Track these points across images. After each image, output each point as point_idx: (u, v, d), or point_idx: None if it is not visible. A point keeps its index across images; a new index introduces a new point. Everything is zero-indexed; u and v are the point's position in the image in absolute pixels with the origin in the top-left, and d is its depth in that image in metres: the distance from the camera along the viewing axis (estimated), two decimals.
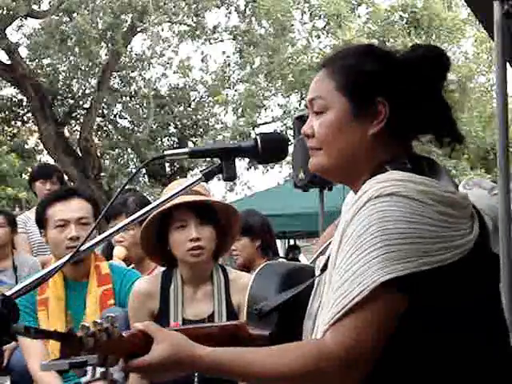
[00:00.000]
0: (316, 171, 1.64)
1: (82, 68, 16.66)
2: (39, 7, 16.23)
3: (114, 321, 1.47)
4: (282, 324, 1.59)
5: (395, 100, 1.55)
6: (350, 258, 1.42)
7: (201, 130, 18.53)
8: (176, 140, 18.79)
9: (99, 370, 1.46)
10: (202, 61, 17.65)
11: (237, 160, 1.65)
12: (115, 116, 18.46)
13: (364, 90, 1.56)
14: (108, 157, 18.44)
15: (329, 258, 1.54)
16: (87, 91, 17.38)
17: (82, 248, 1.56)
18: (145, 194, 5.86)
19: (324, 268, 1.60)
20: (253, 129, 15.89)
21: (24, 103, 17.44)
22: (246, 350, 1.49)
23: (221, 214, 2.76)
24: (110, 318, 1.47)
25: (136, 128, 17.68)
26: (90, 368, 1.45)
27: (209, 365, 1.45)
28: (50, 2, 15.73)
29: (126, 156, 18.79)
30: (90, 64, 16.28)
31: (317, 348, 1.42)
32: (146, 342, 1.48)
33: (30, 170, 14.51)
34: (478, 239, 1.47)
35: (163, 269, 2.84)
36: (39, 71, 16.77)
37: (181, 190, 1.62)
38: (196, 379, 2.62)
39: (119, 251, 3.73)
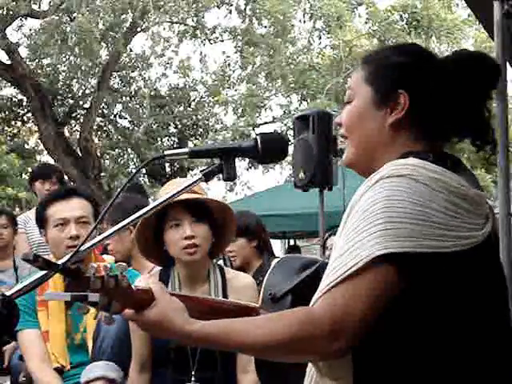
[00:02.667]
0: (346, 164, 1.70)
1: (82, 68, 16.65)
2: (39, 7, 16.21)
3: (124, 269, 1.49)
4: (295, 307, 1.60)
5: (418, 95, 1.59)
6: (352, 231, 1.45)
7: (201, 130, 18.53)
8: (176, 140, 18.79)
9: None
10: (201, 61, 17.66)
11: (237, 160, 1.65)
12: (115, 116, 18.45)
13: (386, 81, 1.61)
14: (108, 157, 18.44)
15: None
16: (87, 91, 17.37)
17: (82, 248, 1.56)
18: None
19: None
20: (253, 129, 15.89)
21: (24, 103, 17.43)
22: (235, 322, 1.53)
23: (216, 213, 2.76)
24: (121, 266, 1.49)
25: (136, 128, 17.68)
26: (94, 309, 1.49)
27: (197, 341, 1.52)
28: (50, 2, 15.72)
29: (126, 156, 18.79)
30: (90, 64, 16.27)
31: (304, 315, 1.45)
32: (153, 300, 1.53)
33: (30, 170, 14.52)
34: (489, 239, 1.49)
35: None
36: (39, 71, 16.75)
37: (181, 190, 1.63)
38: (193, 378, 2.62)
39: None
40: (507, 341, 1.55)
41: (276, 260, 1.84)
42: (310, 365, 1.57)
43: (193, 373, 2.62)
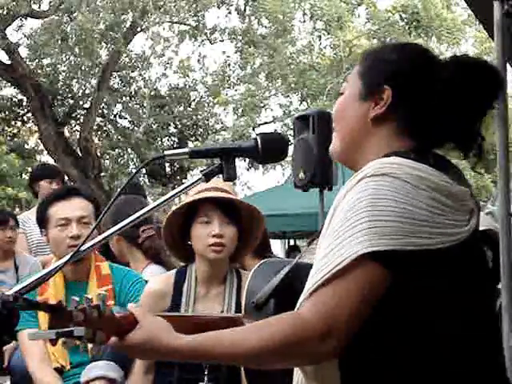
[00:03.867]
0: (332, 155, 1.70)
1: (82, 68, 16.65)
2: (39, 7, 16.21)
3: (105, 299, 1.49)
4: (279, 312, 1.59)
5: (404, 93, 1.58)
6: (336, 230, 1.44)
7: (201, 130, 18.52)
8: (176, 140, 18.79)
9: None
10: (199, 61, 17.66)
11: (237, 160, 1.66)
12: (115, 116, 18.44)
13: (375, 75, 1.61)
14: (108, 157, 18.43)
15: None
16: (87, 91, 17.36)
17: (83, 248, 1.57)
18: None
19: None
20: (253, 129, 15.89)
21: (24, 103, 17.42)
22: (224, 333, 1.50)
23: (244, 216, 2.75)
24: (102, 296, 1.49)
25: (136, 128, 17.68)
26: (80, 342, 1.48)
27: (187, 355, 1.49)
28: (50, 2, 15.72)
29: (126, 156, 18.77)
30: (90, 64, 16.27)
31: (292, 319, 1.44)
32: (136, 324, 1.51)
33: (30, 169, 14.50)
34: (474, 234, 1.49)
35: (154, 266, 2.83)
36: (39, 71, 16.74)
37: (180, 190, 1.63)
38: (206, 378, 2.62)
39: None
40: (494, 337, 1.55)
41: (254, 268, 1.83)
42: (296, 369, 1.56)
43: (206, 372, 2.61)
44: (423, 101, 1.57)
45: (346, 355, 1.45)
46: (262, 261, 1.85)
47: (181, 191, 1.63)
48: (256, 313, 1.68)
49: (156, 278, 2.93)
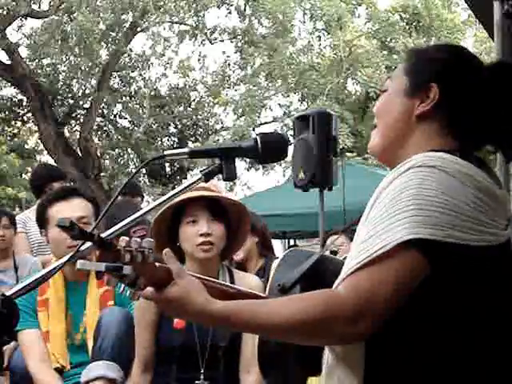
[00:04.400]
0: (372, 153, 1.70)
1: (82, 68, 16.65)
2: (39, 7, 16.21)
3: (151, 246, 1.47)
4: None
5: (450, 91, 1.58)
6: (380, 215, 1.44)
7: (201, 130, 18.53)
8: (176, 140, 18.79)
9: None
10: (199, 61, 17.67)
11: (237, 160, 1.65)
12: (115, 116, 18.45)
13: (421, 73, 1.62)
14: (108, 157, 18.44)
15: None
16: (87, 91, 17.36)
17: (83, 248, 1.57)
18: (144, 194, 5.83)
19: None
20: (253, 129, 15.89)
21: (24, 103, 17.42)
22: (256, 304, 1.51)
23: (231, 214, 2.75)
24: (149, 243, 1.48)
25: (136, 128, 17.68)
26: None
27: (219, 320, 1.48)
28: (50, 2, 15.72)
29: (126, 156, 18.79)
30: (90, 64, 16.26)
31: (328, 296, 1.44)
32: (171, 280, 1.50)
33: (30, 169, 14.51)
34: (508, 242, 1.49)
35: None
36: (39, 71, 16.75)
37: (180, 190, 1.63)
38: (202, 377, 2.62)
39: None
40: None
41: (283, 253, 1.84)
42: (326, 351, 1.56)
43: (202, 371, 2.61)
44: (468, 101, 1.58)
45: (373, 341, 1.44)
46: (290, 249, 1.85)
47: (180, 191, 1.63)
48: (281, 296, 1.65)
49: None
